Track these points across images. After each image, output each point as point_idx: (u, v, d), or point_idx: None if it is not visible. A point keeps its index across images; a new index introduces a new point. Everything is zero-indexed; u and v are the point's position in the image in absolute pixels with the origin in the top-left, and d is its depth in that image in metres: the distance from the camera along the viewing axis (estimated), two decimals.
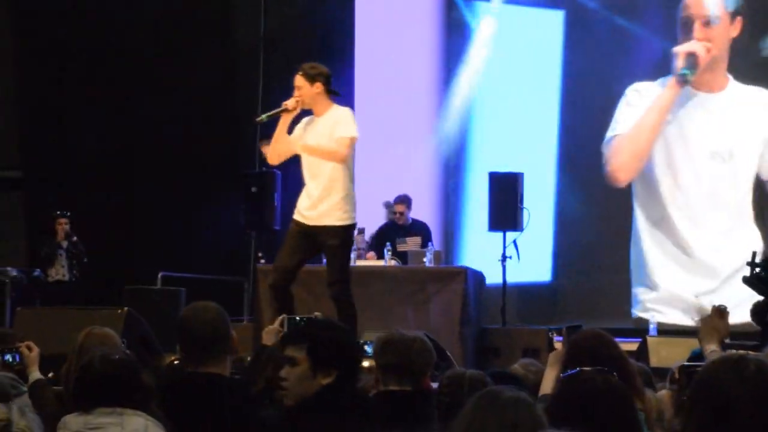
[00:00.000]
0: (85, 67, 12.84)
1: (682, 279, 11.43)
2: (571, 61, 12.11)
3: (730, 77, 11.61)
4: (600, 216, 11.89)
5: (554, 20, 12.26)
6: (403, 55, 12.24)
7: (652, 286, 11.57)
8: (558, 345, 4.63)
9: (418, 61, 12.31)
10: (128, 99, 12.66)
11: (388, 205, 11.28)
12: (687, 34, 11.50)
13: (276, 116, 7.30)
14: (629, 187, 11.74)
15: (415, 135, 12.24)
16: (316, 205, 7.28)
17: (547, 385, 4.15)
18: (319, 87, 7.23)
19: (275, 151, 7.39)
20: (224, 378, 3.96)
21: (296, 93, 7.24)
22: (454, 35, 12.39)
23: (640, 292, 11.62)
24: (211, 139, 12.38)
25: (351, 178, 7.35)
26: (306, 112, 7.45)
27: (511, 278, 10.54)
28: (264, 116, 7.33)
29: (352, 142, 7.28)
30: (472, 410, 2.44)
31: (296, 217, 7.43)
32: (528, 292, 11.61)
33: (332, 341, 3.37)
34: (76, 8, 12.99)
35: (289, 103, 7.24)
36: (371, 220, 11.34)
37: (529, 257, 10.82)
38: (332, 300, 7.31)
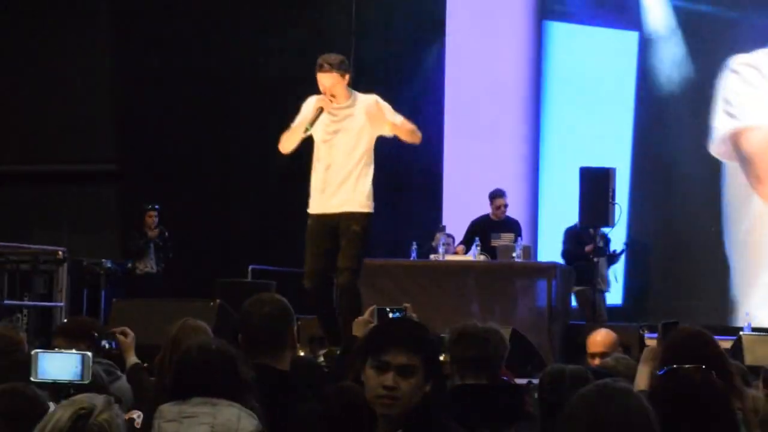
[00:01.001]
0: (180, 63, 13.00)
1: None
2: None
3: None
4: (675, 230, 11.05)
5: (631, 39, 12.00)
6: (493, 49, 12.17)
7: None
8: (650, 342, 4.57)
9: (508, 56, 12.23)
10: (221, 94, 12.79)
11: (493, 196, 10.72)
12: None
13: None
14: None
15: (504, 128, 12.16)
16: (338, 192, 7.02)
17: (642, 382, 4.11)
18: (347, 78, 7.04)
19: (294, 142, 7.07)
20: (274, 370, 3.93)
21: (330, 91, 6.94)
22: (545, 29, 12.30)
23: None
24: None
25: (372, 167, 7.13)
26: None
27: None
28: (309, 126, 6.97)
29: None
30: (582, 403, 2.42)
31: (315, 211, 7.15)
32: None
33: (438, 349, 3.19)
34: (172, 5, 13.17)
35: (324, 104, 6.98)
36: (458, 214, 11.29)
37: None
38: (340, 287, 6.95)
